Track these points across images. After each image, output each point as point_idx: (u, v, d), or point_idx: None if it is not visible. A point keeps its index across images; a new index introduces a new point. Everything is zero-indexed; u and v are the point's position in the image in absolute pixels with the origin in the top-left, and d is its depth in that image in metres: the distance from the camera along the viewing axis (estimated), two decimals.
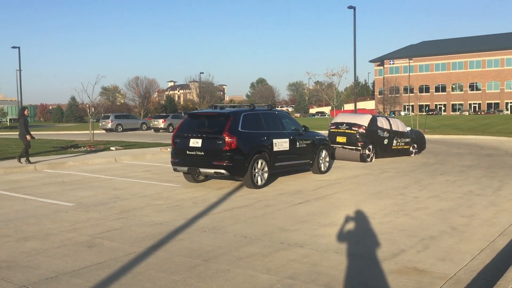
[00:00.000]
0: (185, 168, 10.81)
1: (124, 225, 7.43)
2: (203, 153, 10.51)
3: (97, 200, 9.46)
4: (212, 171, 10.42)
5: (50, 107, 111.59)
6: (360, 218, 7.96)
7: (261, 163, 10.89)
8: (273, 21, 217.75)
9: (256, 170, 10.76)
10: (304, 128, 12.68)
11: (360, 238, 6.70)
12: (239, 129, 10.58)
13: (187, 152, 10.71)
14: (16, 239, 6.61)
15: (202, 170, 10.55)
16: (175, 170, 11.12)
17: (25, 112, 14.51)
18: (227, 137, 10.27)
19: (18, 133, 14.85)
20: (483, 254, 5.92)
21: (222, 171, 10.31)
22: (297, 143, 12.17)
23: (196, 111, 12.37)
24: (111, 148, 19.50)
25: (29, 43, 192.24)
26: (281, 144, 11.53)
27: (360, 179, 12.27)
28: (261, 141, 10.99)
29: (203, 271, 5.29)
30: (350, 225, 7.43)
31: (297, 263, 5.56)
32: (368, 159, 16.17)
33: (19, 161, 14.38)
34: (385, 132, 16.91)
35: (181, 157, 10.86)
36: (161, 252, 6.04)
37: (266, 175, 11.03)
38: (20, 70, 51.09)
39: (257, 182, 10.75)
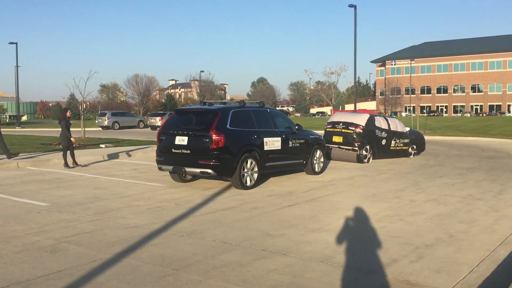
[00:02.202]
0: (170, 167, 10.28)
1: (96, 228, 6.90)
2: (189, 152, 9.98)
3: (74, 200, 8.93)
4: (198, 170, 9.89)
5: (50, 104, 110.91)
6: (351, 223, 7.43)
7: (251, 163, 10.35)
8: (275, 20, 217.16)
9: (245, 170, 10.22)
10: (298, 127, 12.13)
11: (349, 246, 6.16)
12: (228, 126, 10.05)
13: (173, 150, 10.18)
14: None
15: (188, 169, 10.01)
16: (160, 169, 10.60)
17: (67, 114, 13.65)
18: (214, 135, 9.74)
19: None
20: (482, 266, 5.38)
21: (209, 170, 9.78)
22: (290, 142, 11.63)
23: (183, 107, 11.83)
24: (101, 145, 18.97)
25: (29, 40, 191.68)
26: (272, 143, 11.00)
27: (355, 181, 11.73)
28: (251, 140, 10.45)
29: (172, 283, 4.76)
30: (340, 231, 6.88)
31: (277, 274, 5.03)
32: (365, 160, 15.62)
33: (67, 166, 13.29)
34: (383, 132, 16.36)
35: (166, 156, 10.33)
36: (129, 259, 5.51)
37: (256, 175, 10.49)
38: (17, 66, 50.69)
39: (246, 182, 10.21)
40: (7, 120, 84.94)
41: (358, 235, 6.74)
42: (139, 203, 8.67)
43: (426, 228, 7.09)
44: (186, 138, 10.01)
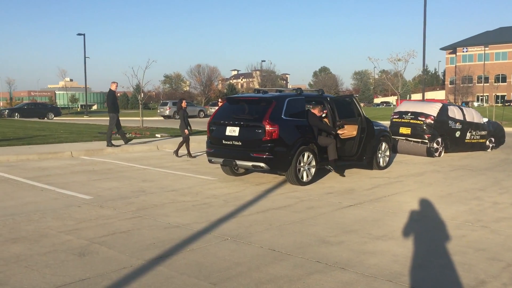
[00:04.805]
0: (221, 160, 9.57)
1: (134, 226, 6.28)
2: (240, 143, 9.20)
3: (119, 193, 8.43)
4: (250, 164, 9.09)
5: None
6: (424, 229, 6.34)
7: (308, 156, 9.41)
8: (337, 6, 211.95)
9: (302, 164, 9.30)
10: None
11: (423, 260, 5.11)
12: (282, 116, 9.16)
13: (223, 141, 9.45)
14: (4, 240, 5.63)
15: (238, 162, 9.24)
16: (210, 161, 9.91)
17: (183, 104, 13.48)
18: (267, 126, 8.88)
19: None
20: None
21: (261, 164, 8.95)
22: None
23: (235, 95, 11.06)
24: (157, 135, 18.71)
25: (96, 31, 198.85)
26: None
27: (426, 178, 10.47)
28: (308, 131, 9.50)
29: None
30: (411, 240, 5.83)
31: None
32: (436, 154, 14.18)
33: (177, 155, 13.23)
34: (458, 123, 14.79)
35: (217, 147, 9.62)
36: (162, 267, 4.80)
37: (313, 170, 9.54)
38: (85, 57, 52.25)
39: (302, 178, 9.30)
40: (78, 109, 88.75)
41: (433, 245, 5.65)
42: (185, 199, 8.01)
43: None
44: (237, 129, 9.23)
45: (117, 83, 15.07)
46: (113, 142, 14.86)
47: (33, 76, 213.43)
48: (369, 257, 5.15)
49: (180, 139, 14.00)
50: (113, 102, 14.74)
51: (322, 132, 9.90)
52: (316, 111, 9.90)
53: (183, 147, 13.35)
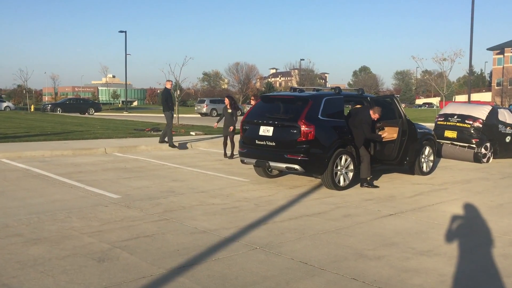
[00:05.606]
0: (253, 160, 9.18)
1: (159, 230, 5.98)
2: (274, 144, 8.79)
3: (148, 193, 8.18)
4: (284, 165, 8.66)
5: (158, 91, 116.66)
6: (473, 244, 5.74)
7: (345, 159, 8.89)
8: (379, 4, 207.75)
9: (339, 168, 8.80)
10: None
11: (473, 282, 4.55)
12: (319, 116, 8.68)
13: (256, 141, 9.06)
14: (24, 241, 5.43)
15: (272, 163, 8.83)
16: (242, 162, 9.54)
17: (226, 102, 13.23)
18: (303, 126, 8.43)
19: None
20: None
21: (296, 166, 8.51)
22: None
23: (270, 93, 10.64)
24: (191, 133, 18.53)
25: (137, 28, 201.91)
26: None
27: (474, 186, 9.75)
28: (347, 132, 8.98)
29: None
30: (459, 256, 5.26)
31: None
32: (484, 160, 13.31)
33: (227, 157, 12.99)
34: (508, 128, 13.83)
35: (250, 147, 9.24)
36: (184, 278, 4.44)
37: (351, 174, 9.01)
38: (126, 54, 53.03)
39: (339, 182, 8.80)
40: (119, 105, 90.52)
41: (485, 264, 5.07)
42: (214, 201, 7.67)
43: None
44: (271, 129, 8.82)
45: (171, 81, 14.96)
46: (174, 142, 14.54)
47: (78, 72, 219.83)
48: (412, 276, 4.63)
49: (221, 139, 13.64)
50: (166, 100, 14.51)
51: (367, 140, 9.22)
52: (372, 113, 9.04)
53: (227, 146, 13.00)
